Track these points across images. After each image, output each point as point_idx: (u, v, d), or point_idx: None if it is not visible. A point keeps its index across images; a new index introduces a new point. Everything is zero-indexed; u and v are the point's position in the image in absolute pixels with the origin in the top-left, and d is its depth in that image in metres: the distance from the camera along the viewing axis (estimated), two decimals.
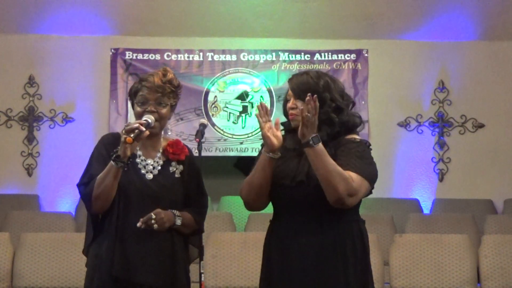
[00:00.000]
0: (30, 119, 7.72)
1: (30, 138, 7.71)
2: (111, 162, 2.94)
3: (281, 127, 3.09)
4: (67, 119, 7.72)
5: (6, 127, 7.71)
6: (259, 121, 2.96)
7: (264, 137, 2.94)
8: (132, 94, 3.14)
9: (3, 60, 7.72)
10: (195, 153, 3.26)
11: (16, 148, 7.68)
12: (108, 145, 3.07)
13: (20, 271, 5.40)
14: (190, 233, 3.19)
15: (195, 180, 3.20)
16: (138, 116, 3.07)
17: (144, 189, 3.05)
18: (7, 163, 7.67)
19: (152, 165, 3.11)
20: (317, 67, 7.74)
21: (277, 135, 2.94)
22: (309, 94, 2.86)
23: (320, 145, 2.87)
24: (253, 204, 3.08)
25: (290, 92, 3.07)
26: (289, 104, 3.05)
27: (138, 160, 3.10)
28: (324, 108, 2.99)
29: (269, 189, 3.01)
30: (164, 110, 3.09)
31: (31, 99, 7.74)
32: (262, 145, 3.13)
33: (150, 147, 3.14)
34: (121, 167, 2.93)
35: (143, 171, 3.09)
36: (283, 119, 3.13)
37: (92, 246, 3.09)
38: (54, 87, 7.76)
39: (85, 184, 3.03)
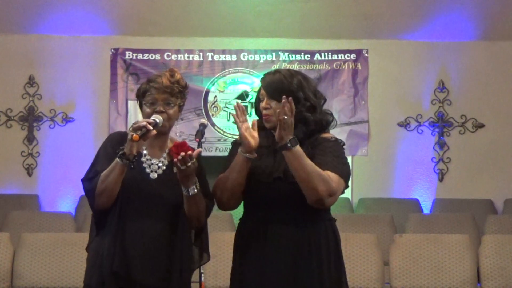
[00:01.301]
0: (30, 119, 7.72)
1: (30, 138, 7.71)
2: (117, 158, 2.95)
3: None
4: (67, 119, 7.72)
5: (6, 127, 7.71)
6: (236, 122, 2.96)
7: (242, 137, 2.94)
8: (140, 95, 3.16)
9: (3, 60, 7.72)
10: None
11: (16, 148, 7.68)
12: (115, 143, 3.08)
13: (20, 271, 5.39)
14: (194, 227, 3.13)
15: (200, 182, 3.15)
16: (147, 116, 3.08)
17: (147, 188, 3.06)
18: (7, 163, 7.67)
19: (157, 164, 3.11)
20: (317, 67, 7.75)
21: (254, 136, 2.94)
22: (284, 96, 2.84)
23: (298, 146, 2.87)
24: (227, 204, 3.07)
25: (263, 91, 3.05)
26: (263, 104, 3.04)
27: (143, 159, 3.11)
28: (298, 108, 2.97)
29: (243, 188, 3.01)
30: (172, 111, 3.11)
31: (31, 99, 7.74)
32: (233, 143, 3.17)
33: (157, 147, 3.15)
34: (126, 164, 2.94)
35: (147, 170, 3.10)
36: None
37: (93, 242, 3.10)
38: (54, 87, 7.76)
39: (90, 180, 3.04)
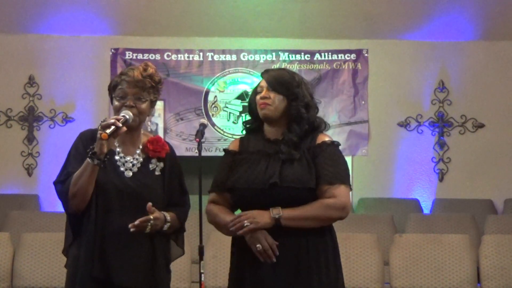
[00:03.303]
0: (30, 119, 7.72)
1: (30, 138, 7.71)
2: (87, 159, 2.86)
3: (243, 126, 3.17)
4: (67, 119, 7.72)
5: (6, 127, 7.71)
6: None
7: None
8: (112, 88, 3.05)
9: (3, 60, 7.73)
10: (195, 153, 3.21)
11: (16, 148, 7.68)
12: (86, 142, 2.98)
13: (20, 271, 5.39)
14: (171, 233, 3.11)
15: (177, 178, 3.12)
16: (116, 110, 2.98)
17: (124, 188, 2.96)
18: (7, 163, 7.67)
19: (131, 162, 3.02)
20: (317, 67, 7.74)
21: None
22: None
23: (284, 214, 2.89)
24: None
25: (263, 83, 3.07)
26: (262, 94, 3.04)
27: (117, 157, 3.01)
28: (296, 103, 3.03)
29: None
30: (143, 106, 3.00)
31: (31, 99, 7.74)
32: (224, 151, 3.16)
33: (130, 144, 3.04)
34: (97, 164, 2.85)
35: (122, 169, 3.00)
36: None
37: (71, 247, 3.02)
38: (54, 87, 7.76)
39: (62, 182, 2.94)
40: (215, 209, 3.06)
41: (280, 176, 2.94)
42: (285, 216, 2.90)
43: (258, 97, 3.07)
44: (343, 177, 2.98)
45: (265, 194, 2.95)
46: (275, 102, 3.02)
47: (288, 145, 2.99)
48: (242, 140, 3.15)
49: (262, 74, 3.12)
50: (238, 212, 3.10)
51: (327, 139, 3.05)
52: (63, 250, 3.10)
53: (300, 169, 2.96)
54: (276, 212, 2.90)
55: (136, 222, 2.89)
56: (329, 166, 2.97)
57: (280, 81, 3.05)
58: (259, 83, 3.11)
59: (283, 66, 7.65)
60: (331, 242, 3.04)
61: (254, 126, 3.13)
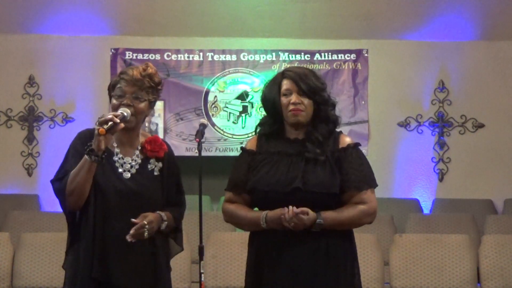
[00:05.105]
0: (30, 119, 7.72)
1: (30, 138, 7.71)
2: (85, 155, 2.85)
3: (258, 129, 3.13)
4: (67, 119, 7.72)
5: (6, 127, 7.71)
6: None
7: None
8: (111, 87, 3.04)
9: (3, 60, 7.73)
10: (195, 153, 3.20)
11: (16, 148, 7.68)
12: (85, 141, 2.97)
13: (20, 271, 5.40)
14: (169, 232, 3.10)
15: (174, 178, 3.12)
16: (114, 109, 2.97)
17: (123, 189, 2.96)
18: (7, 163, 7.67)
19: (130, 163, 3.02)
20: (317, 67, 7.74)
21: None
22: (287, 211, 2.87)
23: (326, 218, 2.90)
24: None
25: (291, 86, 2.99)
26: (293, 100, 2.98)
27: (115, 158, 3.00)
28: (325, 106, 3.01)
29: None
30: (141, 105, 2.99)
31: (31, 99, 7.74)
32: (243, 149, 3.13)
33: (128, 144, 3.04)
34: (95, 160, 2.84)
35: (120, 170, 2.99)
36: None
37: (71, 248, 3.02)
38: (54, 87, 7.76)
39: (59, 180, 2.94)
40: (231, 207, 3.04)
41: (303, 180, 2.91)
42: (327, 224, 2.90)
43: (286, 100, 3.00)
44: (370, 180, 2.99)
45: (287, 197, 2.92)
46: (307, 108, 2.98)
47: (313, 144, 2.97)
48: (260, 138, 3.10)
49: (286, 74, 3.04)
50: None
51: (349, 141, 3.04)
52: (66, 250, 3.10)
53: (323, 173, 2.94)
54: (319, 225, 2.89)
55: (132, 232, 2.87)
56: (356, 171, 2.97)
57: (311, 86, 2.98)
58: (281, 83, 3.03)
59: (283, 66, 7.66)
60: (350, 246, 3.03)
61: (275, 128, 3.07)
